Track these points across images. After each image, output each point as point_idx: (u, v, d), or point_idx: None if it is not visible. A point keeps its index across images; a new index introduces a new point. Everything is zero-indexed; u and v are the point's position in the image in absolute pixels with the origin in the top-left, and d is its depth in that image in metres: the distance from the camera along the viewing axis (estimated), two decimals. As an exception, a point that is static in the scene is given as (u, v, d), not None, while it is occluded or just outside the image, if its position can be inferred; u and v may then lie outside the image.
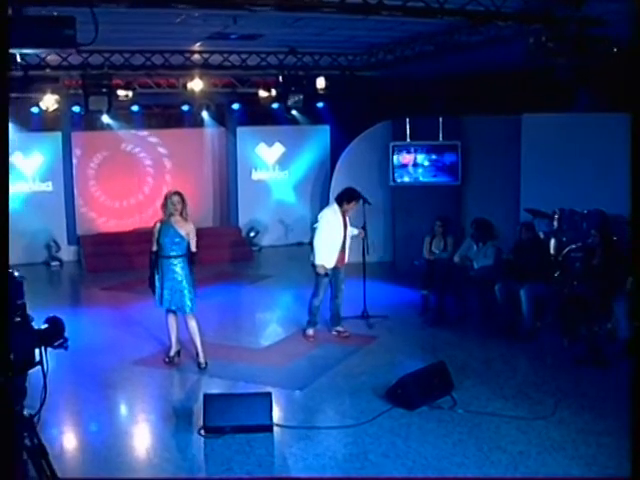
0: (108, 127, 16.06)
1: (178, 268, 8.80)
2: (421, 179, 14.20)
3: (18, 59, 10.66)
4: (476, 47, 9.93)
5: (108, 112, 13.42)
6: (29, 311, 4.47)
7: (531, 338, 9.89)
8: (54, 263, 15.85)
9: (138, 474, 6.35)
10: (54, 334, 4.27)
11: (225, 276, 14.60)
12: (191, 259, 8.88)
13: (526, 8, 7.77)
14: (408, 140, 14.15)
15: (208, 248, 14.65)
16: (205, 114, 16.97)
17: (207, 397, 7.17)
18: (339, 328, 10.28)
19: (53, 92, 13.20)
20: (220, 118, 17.40)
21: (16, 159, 15.68)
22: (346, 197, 10.10)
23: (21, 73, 11.43)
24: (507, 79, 12.29)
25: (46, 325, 4.28)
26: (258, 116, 16.82)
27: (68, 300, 14.00)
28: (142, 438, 7.30)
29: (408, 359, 9.28)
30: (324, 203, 15.74)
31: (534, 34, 7.74)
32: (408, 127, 14.12)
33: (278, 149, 17.77)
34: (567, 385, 8.21)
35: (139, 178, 17.22)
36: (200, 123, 17.31)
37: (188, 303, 8.83)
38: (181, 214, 8.79)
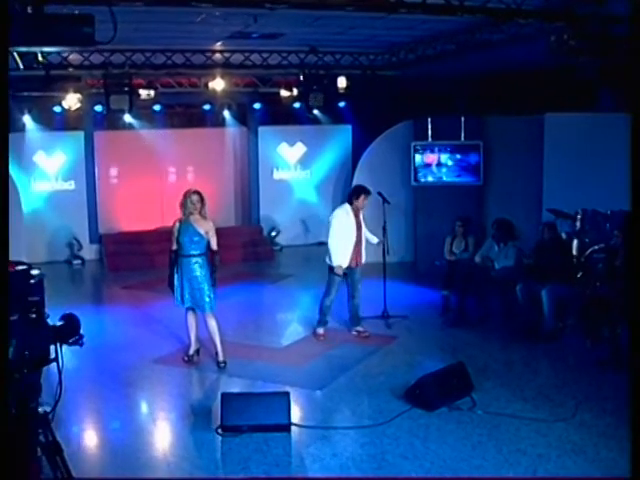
0: (130, 126, 16.14)
1: (197, 267, 8.80)
2: (445, 179, 14.13)
3: (40, 58, 10.75)
4: (498, 45, 9.86)
5: (130, 111, 13.46)
6: (49, 309, 4.47)
7: (553, 340, 9.80)
8: (76, 262, 15.93)
9: (155, 472, 6.34)
10: (69, 331, 4.26)
11: (246, 275, 14.60)
12: (212, 258, 8.88)
13: (547, 5, 7.71)
14: (429, 140, 14.09)
15: (229, 247, 14.74)
16: (227, 114, 17.01)
17: (224, 396, 7.15)
18: (359, 328, 10.24)
19: (75, 91, 13.28)
20: (242, 118, 17.43)
21: (39, 158, 15.85)
22: (354, 194, 10.07)
23: (43, 72, 11.49)
24: (529, 78, 12.20)
25: (61, 322, 4.27)
26: (280, 116, 16.83)
27: (89, 298, 14.06)
28: (160, 436, 7.30)
29: (428, 360, 9.19)
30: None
31: (555, 32, 7.66)
32: (430, 127, 14.06)
33: (300, 149, 17.75)
34: (589, 387, 8.12)
35: (161, 177, 17.28)
36: (222, 123, 17.34)
37: (207, 301, 8.83)
38: (200, 213, 8.79)
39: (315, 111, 14.94)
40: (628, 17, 6.37)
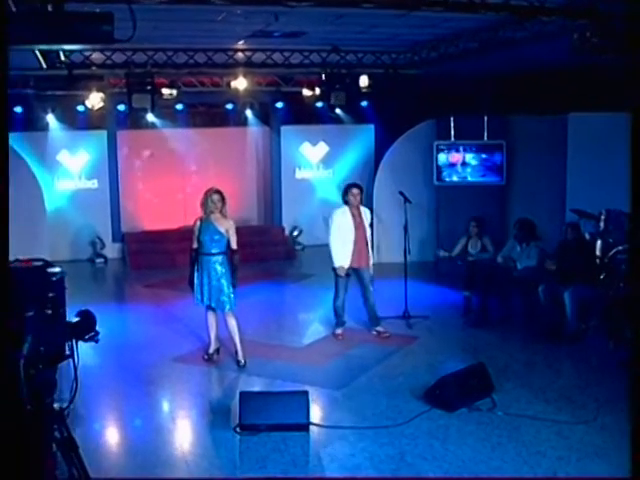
0: (153, 126, 16.19)
1: (218, 265, 8.81)
2: (469, 179, 14.06)
3: (62, 57, 10.81)
4: (521, 43, 9.75)
5: (152, 110, 13.48)
6: (72, 307, 4.49)
7: (575, 341, 9.70)
8: (99, 260, 16.03)
9: (172, 470, 6.34)
10: (85, 327, 4.26)
11: (268, 274, 14.60)
12: (232, 257, 8.88)
13: (570, 3, 7.61)
14: (452, 139, 14.02)
15: (251, 246, 14.77)
16: (249, 113, 17.03)
17: (243, 395, 7.14)
18: (379, 328, 10.19)
19: (98, 90, 13.34)
20: (264, 117, 17.44)
21: (62, 157, 15.96)
22: (344, 193, 10.04)
23: (66, 72, 11.55)
24: (553, 77, 12.10)
25: (77, 318, 4.27)
26: (302, 115, 16.80)
27: (111, 297, 14.12)
28: (178, 434, 7.29)
29: (449, 360, 9.11)
30: (368, 202, 15.66)
31: (578, 30, 7.57)
32: (452, 126, 13.99)
33: (322, 148, 17.72)
34: (611, 389, 8.01)
35: (183, 176, 17.32)
36: (244, 122, 17.37)
37: (227, 300, 8.83)
38: (221, 212, 8.81)
39: (337, 110, 14.91)
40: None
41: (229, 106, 16.35)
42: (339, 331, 10.20)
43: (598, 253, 10.55)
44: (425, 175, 14.48)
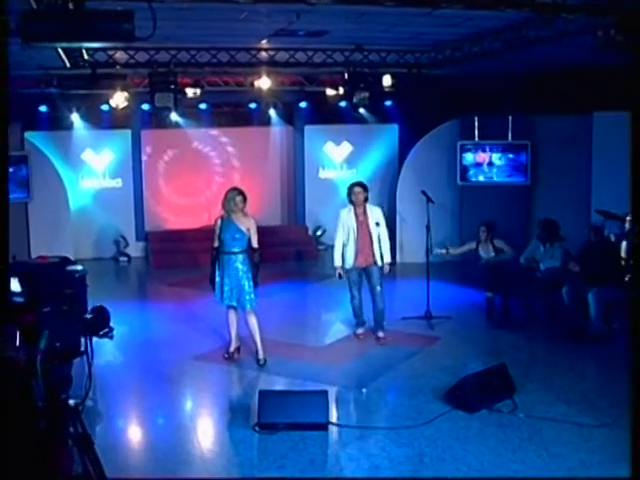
0: (177, 125, 16.22)
1: (239, 264, 8.81)
2: (495, 179, 13.98)
3: (85, 56, 10.85)
4: (544, 42, 9.64)
5: (176, 110, 13.51)
6: (95, 304, 4.49)
7: (599, 343, 9.59)
8: (122, 259, 16.13)
9: (190, 468, 6.35)
10: (99, 323, 4.27)
11: (290, 274, 14.61)
12: (253, 256, 8.87)
13: (594, 0, 7.52)
14: (476, 139, 13.94)
15: (275, 246, 14.79)
16: (273, 112, 16.99)
17: (262, 393, 7.13)
18: (380, 334, 10.00)
19: (122, 89, 13.39)
20: (288, 116, 17.42)
21: (87, 156, 16.06)
22: (347, 194, 9.92)
23: (89, 71, 11.61)
24: (578, 77, 11.99)
25: (91, 315, 4.28)
26: (326, 114, 16.76)
27: (134, 295, 14.20)
28: (197, 432, 7.27)
29: (471, 361, 9.06)
30: (392, 202, 15.66)
31: (603, 27, 7.47)
32: (477, 126, 13.91)
33: (346, 148, 17.67)
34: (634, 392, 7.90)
35: (207, 176, 17.37)
36: (268, 121, 17.33)
37: (248, 299, 8.83)
38: (242, 210, 8.82)
39: (361, 110, 14.84)
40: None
41: (252, 105, 16.35)
42: (360, 331, 10.17)
43: (623, 254, 10.45)
44: (449, 175, 14.42)
